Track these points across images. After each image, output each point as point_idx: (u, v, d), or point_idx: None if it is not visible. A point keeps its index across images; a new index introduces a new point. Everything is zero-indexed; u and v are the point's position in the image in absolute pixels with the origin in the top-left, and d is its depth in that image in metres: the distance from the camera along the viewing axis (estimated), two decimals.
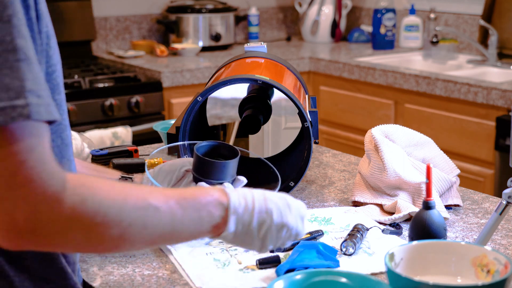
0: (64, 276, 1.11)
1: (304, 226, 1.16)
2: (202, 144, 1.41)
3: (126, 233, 0.99)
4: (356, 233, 1.40)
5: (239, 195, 1.11)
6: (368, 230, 1.44)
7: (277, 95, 1.76)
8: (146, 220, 1.01)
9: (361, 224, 1.44)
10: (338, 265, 1.32)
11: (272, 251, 1.38)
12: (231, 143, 1.84)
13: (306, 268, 1.27)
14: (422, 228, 1.31)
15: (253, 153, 1.50)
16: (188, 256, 1.37)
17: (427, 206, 1.32)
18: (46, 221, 0.93)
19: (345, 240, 1.38)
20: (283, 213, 1.13)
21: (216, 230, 1.09)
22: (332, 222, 1.54)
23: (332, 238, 1.46)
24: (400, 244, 1.26)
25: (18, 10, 0.95)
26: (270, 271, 1.30)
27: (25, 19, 0.97)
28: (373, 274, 1.29)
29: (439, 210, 1.35)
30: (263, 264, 1.32)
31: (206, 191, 1.09)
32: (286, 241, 1.15)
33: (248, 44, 1.88)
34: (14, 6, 0.94)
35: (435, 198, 1.53)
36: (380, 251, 1.38)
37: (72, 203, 0.94)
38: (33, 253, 1.08)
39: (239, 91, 1.76)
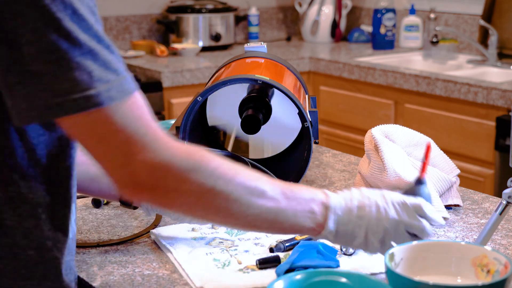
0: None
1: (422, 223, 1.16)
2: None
3: (231, 207, 1.06)
4: None
5: (339, 196, 1.15)
6: None
7: (277, 95, 1.76)
8: (252, 200, 1.06)
9: None
10: (338, 265, 1.31)
11: (271, 251, 1.39)
12: (231, 143, 1.84)
13: (306, 268, 1.26)
14: None
15: (255, 163, 1.50)
16: (188, 256, 1.37)
17: (420, 181, 1.25)
18: (162, 183, 1.01)
19: None
20: (389, 210, 1.15)
21: (316, 228, 1.13)
22: None
23: None
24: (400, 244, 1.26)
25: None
26: (270, 271, 1.30)
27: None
28: (373, 274, 1.29)
29: (439, 210, 1.34)
30: (263, 264, 1.32)
31: (309, 189, 1.14)
32: (406, 239, 1.16)
33: (248, 44, 1.88)
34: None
35: (435, 198, 1.53)
36: None
37: (184, 170, 1.02)
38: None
39: (239, 91, 1.76)
